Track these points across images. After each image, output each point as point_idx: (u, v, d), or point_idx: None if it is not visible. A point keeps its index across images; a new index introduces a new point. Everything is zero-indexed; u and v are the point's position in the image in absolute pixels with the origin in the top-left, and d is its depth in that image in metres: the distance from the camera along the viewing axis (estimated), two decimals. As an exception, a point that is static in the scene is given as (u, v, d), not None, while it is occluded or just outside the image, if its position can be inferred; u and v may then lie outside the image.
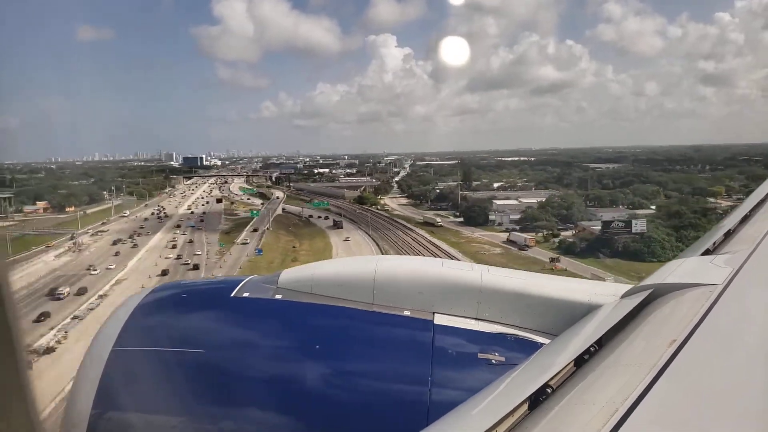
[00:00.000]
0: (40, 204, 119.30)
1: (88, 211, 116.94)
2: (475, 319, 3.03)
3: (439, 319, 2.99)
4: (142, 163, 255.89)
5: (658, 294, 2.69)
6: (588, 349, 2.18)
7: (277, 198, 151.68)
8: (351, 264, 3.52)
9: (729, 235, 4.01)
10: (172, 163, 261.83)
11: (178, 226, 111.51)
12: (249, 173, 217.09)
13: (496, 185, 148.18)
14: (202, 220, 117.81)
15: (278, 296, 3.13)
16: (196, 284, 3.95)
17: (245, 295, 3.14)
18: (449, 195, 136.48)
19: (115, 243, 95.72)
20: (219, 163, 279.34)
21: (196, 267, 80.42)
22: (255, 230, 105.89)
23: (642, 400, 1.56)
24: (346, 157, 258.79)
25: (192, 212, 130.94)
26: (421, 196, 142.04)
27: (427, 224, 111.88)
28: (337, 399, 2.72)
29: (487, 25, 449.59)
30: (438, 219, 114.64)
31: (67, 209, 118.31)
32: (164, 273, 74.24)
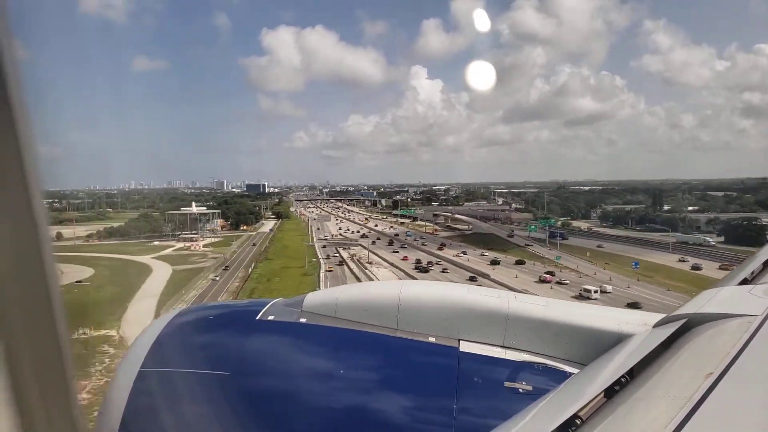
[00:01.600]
0: (220, 222, 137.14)
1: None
2: (502, 347, 3.00)
3: (465, 347, 2.97)
4: (192, 191, 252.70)
5: (692, 324, 2.57)
6: (619, 379, 2.11)
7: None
8: (375, 288, 3.47)
9: None
10: (234, 189, 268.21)
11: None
12: (341, 199, 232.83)
13: (690, 208, 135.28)
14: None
15: (303, 320, 3.14)
16: (222, 306, 3.86)
17: (270, 318, 3.16)
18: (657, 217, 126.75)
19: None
20: (276, 190, 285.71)
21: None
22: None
23: None
24: (409, 188, 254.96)
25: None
26: (618, 219, 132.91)
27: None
28: (361, 425, 2.70)
29: (528, 55, 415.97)
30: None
31: (243, 227, 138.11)
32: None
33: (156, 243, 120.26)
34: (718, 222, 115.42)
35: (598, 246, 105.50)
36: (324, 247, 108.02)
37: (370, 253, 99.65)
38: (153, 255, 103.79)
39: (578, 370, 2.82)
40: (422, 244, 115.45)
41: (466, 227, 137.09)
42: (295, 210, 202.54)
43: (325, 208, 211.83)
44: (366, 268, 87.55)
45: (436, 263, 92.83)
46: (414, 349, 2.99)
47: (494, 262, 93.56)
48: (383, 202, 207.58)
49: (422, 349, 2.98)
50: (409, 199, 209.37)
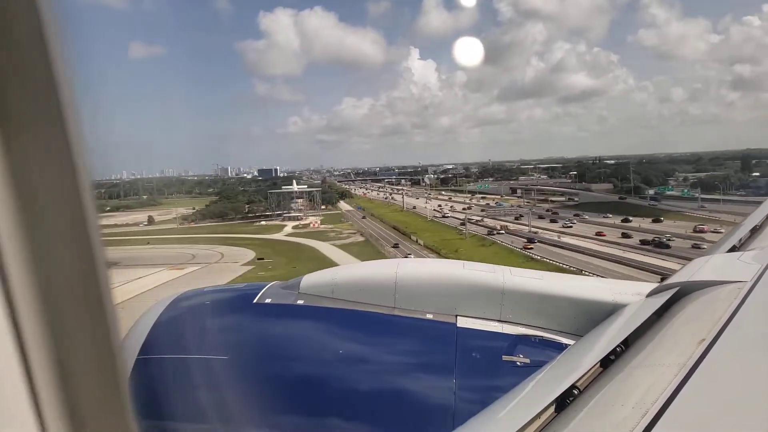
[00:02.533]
0: (300, 202, 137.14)
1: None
2: (498, 321, 3.04)
3: (462, 322, 3.00)
4: (195, 178, 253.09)
5: (684, 292, 2.64)
6: (614, 349, 2.19)
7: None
8: (372, 267, 3.49)
9: (756, 231, 3.86)
10: (245, 175, 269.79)
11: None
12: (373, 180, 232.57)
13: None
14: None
15: (300, 301, 3.15)
16: (219, 291, 3.81)
17: (267, 301, 3.17)
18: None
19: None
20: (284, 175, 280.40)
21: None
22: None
23: (672, 402, 1.52)
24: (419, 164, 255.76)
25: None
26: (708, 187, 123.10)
27: None
28: (362, 403, 2.74)
29: (524, 33, 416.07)
30: None
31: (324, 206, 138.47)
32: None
33: (263, 222, 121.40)
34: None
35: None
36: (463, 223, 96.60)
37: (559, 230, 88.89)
38: (284, 233, 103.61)
39: (574, 342, 2.88)
40: (573, 216, 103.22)
41: (563, 198, 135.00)
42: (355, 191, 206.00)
43: (372, 190, 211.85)
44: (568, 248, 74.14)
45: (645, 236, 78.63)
46: (412, 327, 3.03)
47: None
48: (408, 181, 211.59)
49: (420, 326, 3.02)
50: (456, 177, 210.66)
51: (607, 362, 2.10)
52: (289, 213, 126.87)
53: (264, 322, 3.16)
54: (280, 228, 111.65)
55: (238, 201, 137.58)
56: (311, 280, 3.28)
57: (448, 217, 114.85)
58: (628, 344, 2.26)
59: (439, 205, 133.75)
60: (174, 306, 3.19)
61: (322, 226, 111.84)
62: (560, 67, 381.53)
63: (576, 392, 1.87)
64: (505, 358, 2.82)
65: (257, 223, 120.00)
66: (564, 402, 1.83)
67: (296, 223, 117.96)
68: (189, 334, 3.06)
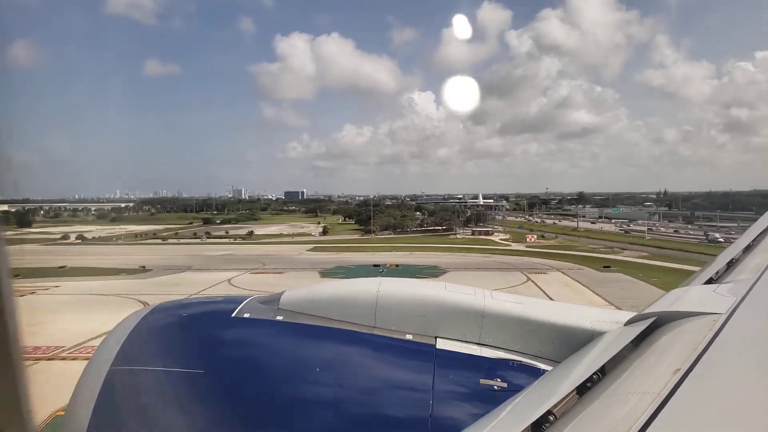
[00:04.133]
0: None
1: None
2: (478, 344, 3.02)
3: (442, 344, 2.99)
4: (198, 197, 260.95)
5: (661, 322, 2.67)
6: (591, 377, 2.19)
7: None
8: (353, 286, 3.39)
9: (732, 264, 3.95)
10: (268, 197, 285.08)
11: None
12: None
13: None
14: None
15: (279, 317, 3.12)
16: (197, 303, 3.74)
17: (246, 315, 3.13)
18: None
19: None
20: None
21: None
22: None
23: (647, 430, 1.52)
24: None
25: None
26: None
27: None
28: (336, 423, 2.71)
29: (531, 69, 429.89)
30: None
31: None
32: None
33: (457, 236, 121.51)
34: None
35: None
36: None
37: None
38: (511, 251, 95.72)
39: (552, 367, 2.88)
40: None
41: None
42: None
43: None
44: None
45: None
46: (391, 347, 3.01)
47: None
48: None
49: (399, 346, 3.01)
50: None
51: (583, 389, 2.10)
52: (480, 227, 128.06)
53: (241, 336, 3.11)
54: (481, 242, 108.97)
55: (390, 215, 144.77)
56: (292, 296, 3.26)
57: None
58: (604, 372, 2.24)
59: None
60: (149, 318, 3.19)
61: (542, 241, 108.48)
62: (565, 103, 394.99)
63: (552, 418, 1.88)
64: (482, 381, 2.80)
65: (451, 236, 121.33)
66: (540, 428, 1.84)
67: (502, 236, 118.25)
68: (164, 347, 3.03)
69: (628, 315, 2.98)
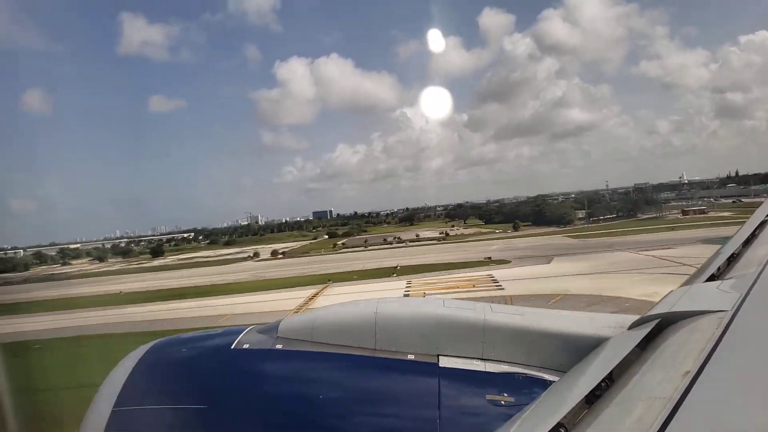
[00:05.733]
0: None
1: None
2: (481, 359, 2.93)
3: (444, 362, 2.91)
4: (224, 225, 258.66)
5: (666, 323, 2.59)
6: (599, 384, 2.14)
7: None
8: (351, 308, 3.30)
9: (733, 259, 3.85)
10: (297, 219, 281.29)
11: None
12: None
13: None
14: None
15: (279, 346, 3.09)
16: (196, 338, 3.62)
17: (245, 346, 3.13)
18: None
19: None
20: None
21: None
22: None
23: None
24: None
25: None
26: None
27: None
28: None
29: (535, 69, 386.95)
30: None
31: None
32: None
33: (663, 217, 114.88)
34: None
35: None
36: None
37: None
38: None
39: (558, 377, 2.79)
40: None
41: None
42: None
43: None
44: None
45: None
46: (394, 368, 2.95)
47: None
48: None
49: (402, 367, 2.94)
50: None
51: (592, 398, 2.06)
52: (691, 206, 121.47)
53: (243, 368, 3.11)
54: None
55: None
56: (290, 323, 3.25)
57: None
58: (612, 378, 2.20)
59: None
60: (150, 355, 3.22)
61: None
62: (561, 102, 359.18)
63: (563, 431, 1.87)
64: (488, 397, 2.73)
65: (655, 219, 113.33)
66: None
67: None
68: (166, 384, 3.06)
69: (632, 318, 2.90)
